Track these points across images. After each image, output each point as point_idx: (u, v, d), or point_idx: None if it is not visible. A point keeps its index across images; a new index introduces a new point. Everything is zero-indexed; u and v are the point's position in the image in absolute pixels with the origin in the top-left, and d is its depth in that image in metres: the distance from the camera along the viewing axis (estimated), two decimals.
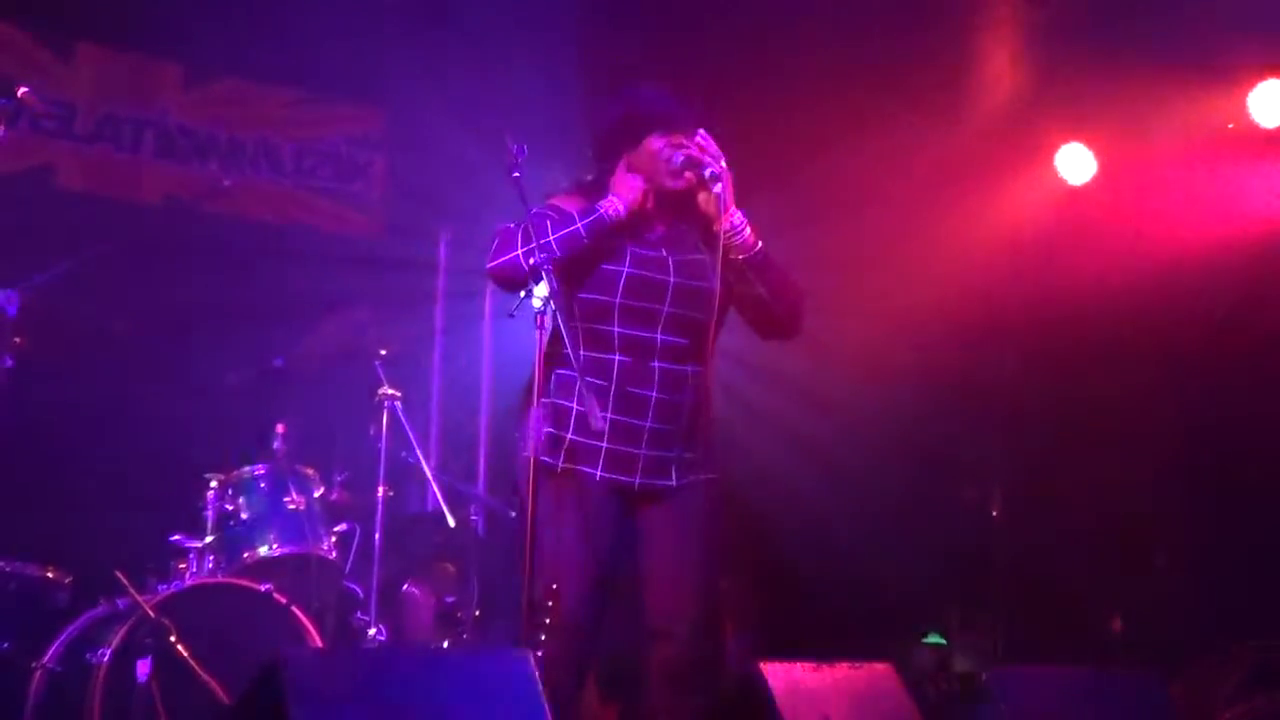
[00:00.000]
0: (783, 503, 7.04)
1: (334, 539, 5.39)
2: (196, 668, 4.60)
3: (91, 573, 5.01)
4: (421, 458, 5.67)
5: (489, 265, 3.84)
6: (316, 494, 5.42)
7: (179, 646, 4.61)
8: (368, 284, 6.35)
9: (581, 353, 3.81)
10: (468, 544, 6.03)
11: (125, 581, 4.68)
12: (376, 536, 5.41)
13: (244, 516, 5.23)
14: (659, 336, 3.85)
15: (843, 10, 6.57)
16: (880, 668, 3.83)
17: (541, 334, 3.85)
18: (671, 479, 3.87)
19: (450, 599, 5.89)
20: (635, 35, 6.61)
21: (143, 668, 4.57)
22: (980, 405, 7.13)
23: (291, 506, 5.26)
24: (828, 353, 6.91)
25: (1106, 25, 6.48)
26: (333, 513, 5.53)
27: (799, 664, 3.70)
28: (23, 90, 3.22)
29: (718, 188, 3.82)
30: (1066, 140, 6.96)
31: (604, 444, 3.78)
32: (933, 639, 7.07)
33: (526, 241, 3.75)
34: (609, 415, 3.76)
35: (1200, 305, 6.53)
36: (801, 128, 6.74)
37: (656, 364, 3.84)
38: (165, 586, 4.95)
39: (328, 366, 5.75)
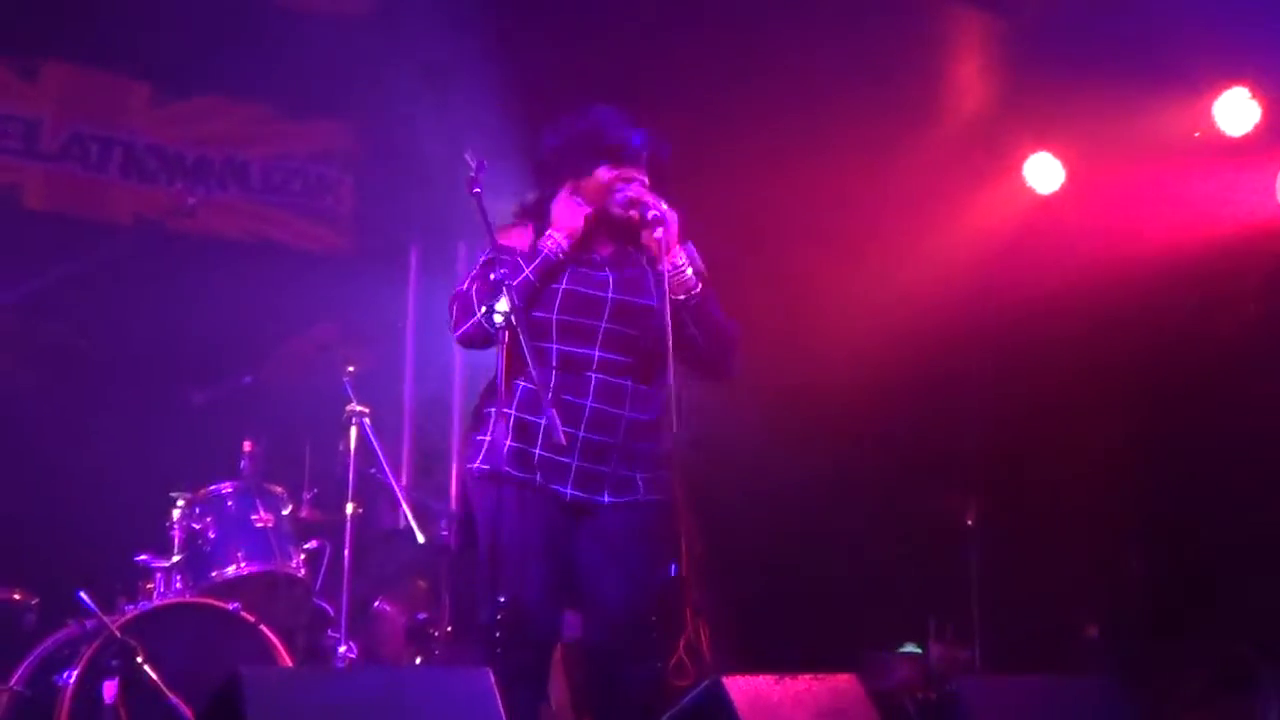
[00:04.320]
0: (758, 513, 7.03)
1: (303, 556, 5.37)
2: (164, 688, 4.58)
3: (59, 594, 4.97)
4: (389, 474, 5.64)
5: (456, 334, 3.96)
6: (285, 511, 5.39)
7: (146, 667, 4.58)
8: (337, 301, 6.33)
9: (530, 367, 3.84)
10: (439, 560, 6.00)
11: (88, 602, 4.64)
12: (345, 553, 5.38)
13: (211, 535, 5.20)
14: (596, 353, 3.91)
15: (809, 23, 6.59)
16: (844, 679, 3.83)
17: (502, 349, 3.87)
18: (604, 496, 3.89)
19: (422, 616, 5.86)
20: (593, 50, 6.61)
21: (109, 689, 4.54)
22: (953, 413, 7.13)
23: (259, 524, 5.24)
24: (801, 362, 6.92)
25: (1073, 36, 6.52)
26: (302, 530, 5.51)
27: (761, 676, 3.70)
28: None
29: (659, 232, 3.91)
30: (1035, 150, 6.99)
31: (538, 450, 3.83)
32: (909, 648, 7.05)
33: (483, 302, 3.84)
34: (544, 422, 3.79)
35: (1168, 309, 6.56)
36: (772, 138, 6.75)
37: (593, 375, 3.89)
38: (132, 606, 4.92)
39: (296, 384, 5.73)
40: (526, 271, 3.91)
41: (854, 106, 6.66)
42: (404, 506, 5.75)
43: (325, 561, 5.51)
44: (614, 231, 4.05)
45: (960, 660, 6.79)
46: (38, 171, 6.48)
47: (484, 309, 3.87)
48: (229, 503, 5.28)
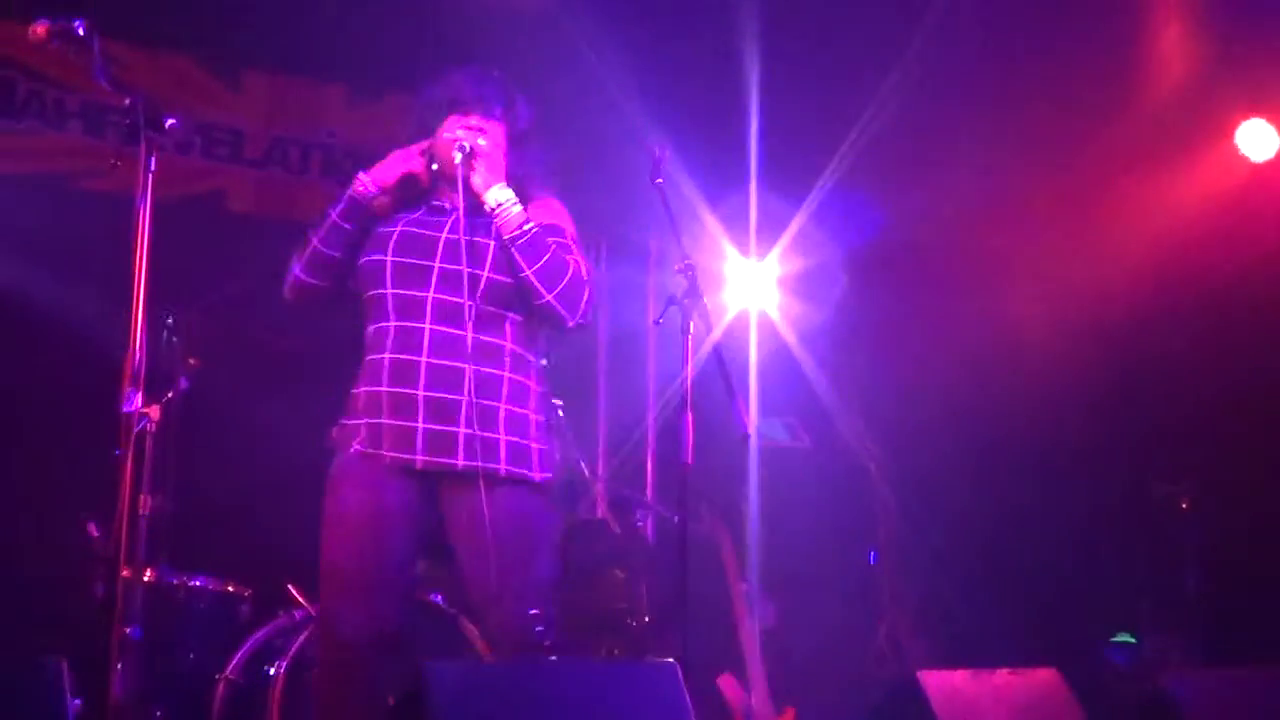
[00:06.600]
0: (964, 502, 6.91)
1: None
2: None
3: (272, 586, 5.12)
4: (582, 464, 5.66)
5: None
6: None
7: None
8: None
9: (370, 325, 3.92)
10: (636, 550, 6.00)
11: (297, 594, 4.79)
12: None
13: None
14: (431, 295, 3.82)
15: None
16: (1045, 674, 3.70)
17: (686, 336, 3.90)
18: (458, 458, 3.77)
19: (620, 605, 5.87)
20: (791, 36, 6.52)
21: None
22: (1166, 391, 6.90)
23: None
24: (1011, 343, 6.79)
25: None
26: None
27: (958, 671, 3.60)
28: (170, 122, 3.32)
29: (477, 174, 3.88)
30: (1248, 116, 6.73)
31: (382, 419, 3.83)
32: (1122, 638, 6.84)
33: (300, 254, 3.93)
34: (385, 389, 3.82)
35: None
36: (974, 108, 6.60)
37: (428, 326, 3.81)
38: None
39: None
40: (331, 214, 3.89)
41: (1058, 72, 6.48)
42: (598, 496, 5.77)
43: None
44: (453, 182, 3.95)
45: (1176, 650, 6.56)
46: (244, 176, 6.68)
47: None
48: None
